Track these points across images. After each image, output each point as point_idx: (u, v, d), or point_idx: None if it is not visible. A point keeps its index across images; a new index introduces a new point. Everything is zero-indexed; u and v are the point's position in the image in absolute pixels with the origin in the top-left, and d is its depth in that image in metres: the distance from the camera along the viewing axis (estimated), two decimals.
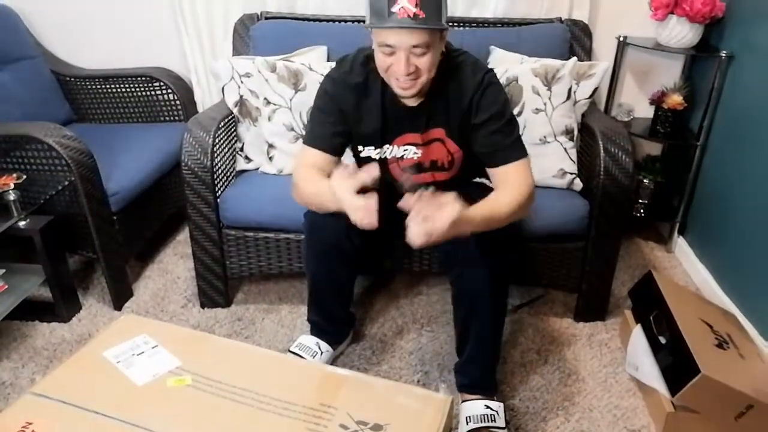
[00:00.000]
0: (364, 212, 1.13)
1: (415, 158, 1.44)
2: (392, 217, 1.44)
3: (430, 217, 1.10)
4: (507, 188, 1.32)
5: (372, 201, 1.13)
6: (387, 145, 1.44)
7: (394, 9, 1.16)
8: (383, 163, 1.45)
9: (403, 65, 1.22)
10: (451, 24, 2.17)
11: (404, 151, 1.44)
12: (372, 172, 1.18)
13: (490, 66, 1.90)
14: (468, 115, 1.35)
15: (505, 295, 1.45)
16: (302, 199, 1.40)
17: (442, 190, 1.18)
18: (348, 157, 1.50)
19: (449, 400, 1.09)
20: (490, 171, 1.37)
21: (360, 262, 1.56)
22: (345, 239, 1.42)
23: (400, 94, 1.31)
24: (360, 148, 1.47)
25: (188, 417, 1.07)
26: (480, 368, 1.48)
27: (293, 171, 1.45)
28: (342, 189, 1.18)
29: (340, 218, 1.25)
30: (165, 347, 1.22)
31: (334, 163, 1.41)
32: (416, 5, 1.16)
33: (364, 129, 1.42)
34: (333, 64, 1.45)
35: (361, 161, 1.48)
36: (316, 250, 1.50)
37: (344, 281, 1.59)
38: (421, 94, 1.33)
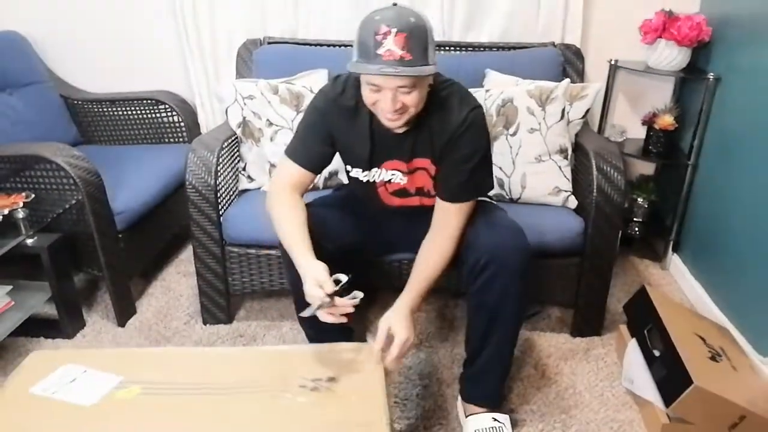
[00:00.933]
0: (318, 302, 1.20)
1: (402, 184, 1.47)
2: (380, 236, 1.49)
3: (394, 353, 1.24)
4: (440, 229, 1.40)
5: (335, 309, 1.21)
6: (375, 169, 1.45)
7: (380, 51, 1.16)
8: (372, 185, 1.49)
9: (389, 103, 1.23)
10: (448, 48, 2.26)
11: (392, 175, 1.45)
12: (347, 308, 1.22)
13: (485, 88, 1.99)
14: (447, 148, 1.36)
15: (523, 311, 1.47)
16: (273, 225, 1.40)
17: (428, 214, 1.41)
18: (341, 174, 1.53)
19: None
20: (437, 199, 1.41)
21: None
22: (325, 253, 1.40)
23: (387, 125, 1.32)
24: (349, 168, 1.50)
25: (153, 420, 1.09)
26: (493, 380, 1.50)
27: (271, 184, 1.48)
28: (312, 292, 1.22)
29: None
30: (97, 369, 1.20)
31: (312, 179, 1.46)
32: (402, 48, 1.16)
33: (353, 152, 1.45)
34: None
35: (351, 179, 1.53)
36: (290, 264, 1.46)
37: None
38: (408, 124, 1.33)
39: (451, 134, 1.34)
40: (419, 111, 1.30)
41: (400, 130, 1.36)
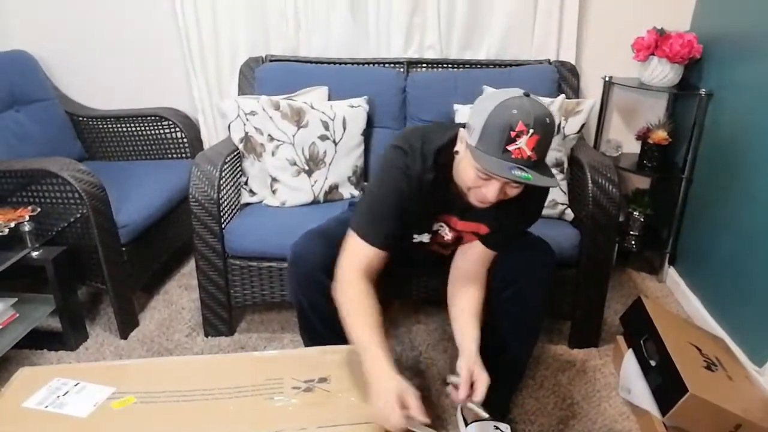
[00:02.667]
0: (395, 424, 1.05)
1: (448, 237, 1.43)
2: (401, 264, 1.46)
3: (481, 393, 1.22)
4: (472, 278, 1.40)
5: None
6: (434, 224, 1.42)
7: (511, 148, 1.09)
8: (419, 243, 1.46)
9: (493, 195, 1.17)
10: (445, 66, 2.31)
11: (441, 227, 1.41)
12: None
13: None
14: (509, 209, 1.29)
15: (542, 324, 1.51)
16: (339, 309, 1.27)
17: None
18: None
19: None
20: (479, 246, 1.39)
21: None
22: (325, 275, 1.36)
23: (475, 205, 1.25)
24: (414, 234, 1.43)
25: (151, 428, 1.11)
26: (508, 389, 1.53)
27: (342, 267, 1.30)
28: (391, 408, 1.06)
29: (324, 254, 1.35)
30: (88, 381, 1.21)
31: (385, 257, 1.33)
32: (533, 149, 1.09)
33: (418, 222, 1.38)
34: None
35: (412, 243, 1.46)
36: (297, 281, 1.45)
37: (330, 310, 1.50)
38: None
39: (517, 215, 1.35)
40: None
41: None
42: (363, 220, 1.32)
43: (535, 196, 1.31)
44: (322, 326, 1.58)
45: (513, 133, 1.09)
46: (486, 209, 1.27)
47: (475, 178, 1.17)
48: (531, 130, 1.09)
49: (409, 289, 1.86)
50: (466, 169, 1.20)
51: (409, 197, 1.30)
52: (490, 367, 1.48)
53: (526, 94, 1.14)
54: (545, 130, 1.11)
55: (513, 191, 1.19)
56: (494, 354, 1.47)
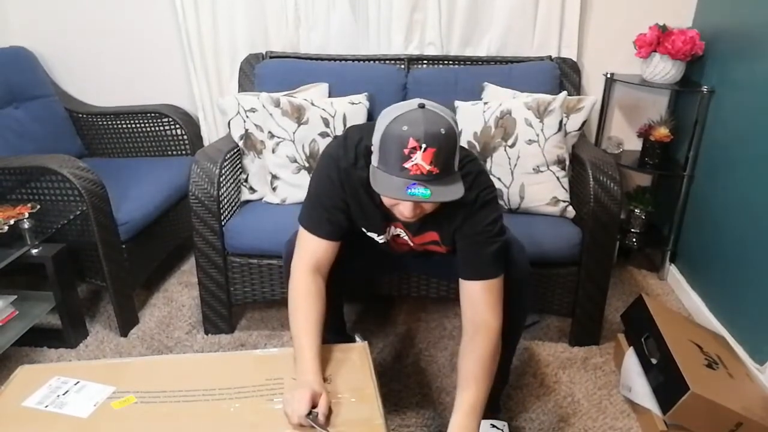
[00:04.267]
0: (300, 414, 1.08)
1: (411, 245, 1.42)
2: (392, 266, 1.49)
3: None
4: (473, 323, 1.27)
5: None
6: (388, 227, 1.39)
7: (407, 165, 1.07)
8: (385, 243, 1.44)
9: (409, 212, 1.16)
10: (446, 62, 2.30)
11: (400, 231, 1.40)
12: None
13: (484, 100, 2.03)
14: (464, 227, 1.29)
15: (523, 324, 1.49)
16: (289, 308, 1.30)
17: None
18: None
19: (365, 345, 1.33)
20: (463, 288, 1.30)
21: (340, 287, 1.56)
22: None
23: (400, 219, 1.25)
24: (364, 230, 1.41)
25: (152, 428, 1.10)
26: (494, 388, 1.50)
27: (294, 262, 1.33)
28: (297, 402, 1.10)
29: None
30: (88, 380, 1.20)
31: (335, 248, 1.34)
32: (431, 162, 1.06)
33: (367, 220, 1.37)
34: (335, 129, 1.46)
35: (363, 235, 1.44)
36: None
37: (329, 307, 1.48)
38: None
39: (464, 215, 1.27)
40: None
41: None
42: (305, 211, 1.35)
43: (481, 206, 1.26)
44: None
45: (406, 151, 1.07)
46: (432, 222, 1.29)
47: (387, 199, 1.18)
48: (423, 145, 1.06)
49: (409, 287, 1.85)
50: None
51: (341, 189, 1.29)
52: None
53: (421, 105, 1.10)
54: (440, 141, 1.07)
55: (428, 206, 1.17)
56: None
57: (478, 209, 1.26)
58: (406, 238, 1.42)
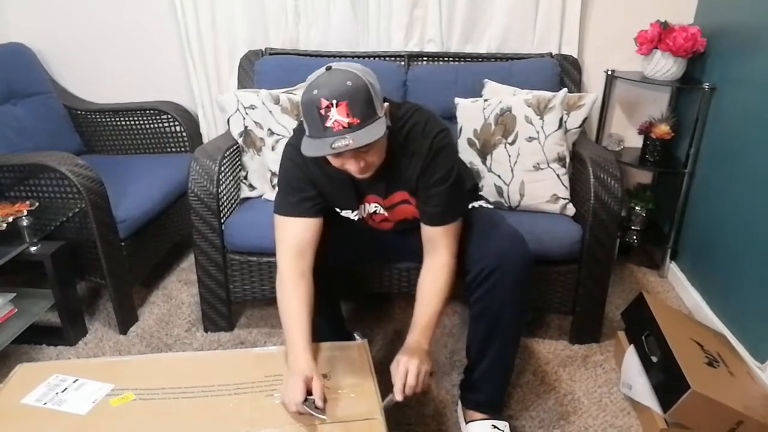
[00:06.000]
0: (296, 403, 1.13)
1: (385, 215, 1.47)
2: (377, 249, 1.52)
3: (410, 383, 1.24)
4: (433, 256, 1.38)
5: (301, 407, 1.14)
6: (361, 205, 1.45)
7: (328, 124, 1.15)
8: (361, 220, 1.49)
9: (353, 166, 1.23)
10: (446, 59, 2.29)
11: (375, 207, 1.46)
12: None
13: (484, 97, 2.02)
14: (421, 178, 1.35)
15: (524, 318, 1.49)
16: (277, 298, 1.36)
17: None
18: None
19: (365, 342, 1.36)
20: (422, 227, 1.39)
21: (336, 284, 1.59)
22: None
23: (358, 178, 1.30)
24: (338, 210, 1.48)
25: (152, 424, 1.10)
26: (495, 387, 1.51)
27: (277, 253, 1.38)
28: (292, 392, 1.15)
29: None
30: (87, 378, 1.20)
31: (316, 227, 1.38)
32: (347, 115, 1.14)
33: (338, 197, 1.42)
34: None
35: (339, 217, 1.49)
36: None
37: (321, 298, 1.50)
38: (378, 170, 1.31)
39: (423, 165, 1.33)
40: (386, 155, 1.30)
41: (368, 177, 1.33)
42: (278, 200, 1.40)
43: (434, 155, 1.32)
44: (318, 315, 1.57)
45: (322, 111, 1.14)
46: (397, 181, 1.36)
47: (332, 159, 1.25)
48: (334, 101, 1.14)
49: (409, 284, 1.85)
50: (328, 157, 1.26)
51: (306, 170, 1.36)
52: (474, 365, 1.50)
53: (328, 68, 1.19)
54: (350, 93, 1.14)
55: (368, 156, 1.23)
56: (476, 353, 1.49)
57: (434, 156, 1.32)
58: (382, 211, 1.45)
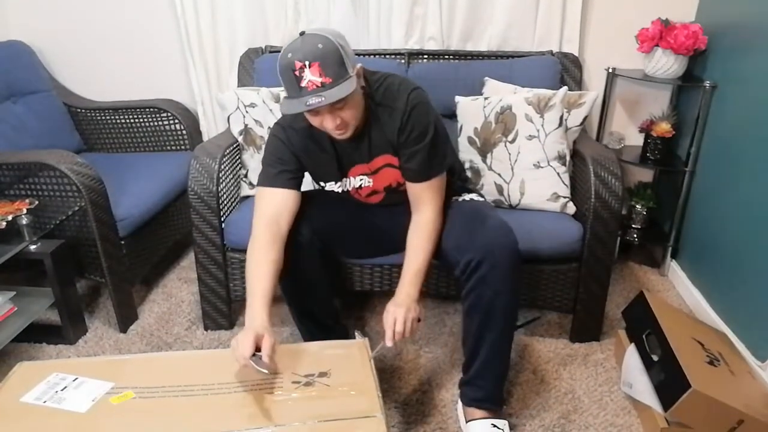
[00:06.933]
0: (243, 356, 1.18)
1: (370, 186, 1.53)
2: (363, 228, 1.59)
3: (398, 329, 1.36)
4: (419, 210, 1.48)
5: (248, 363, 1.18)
6: (345, 178, 1.53)
7: (303, 84, 1.24)
8: (346, 193, 1.56)
9: (330, 123, 1.31)
10: (447, 57, 2.28)
11: (360, 180, 1.53)
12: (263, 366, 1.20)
13: (484, 95, 2.02)
14: (401, 135, 1.43)
15: (516, 308, 1.49)
16: (246, 259, 1.41)
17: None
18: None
19: (366, 341, 1.34)
20: (407, 185, 1.48)
21: (328, 265, 1.62)
22: (301, 236, 1.49)
23: (338, 139, 1.40)
24: (322, 183, 1.56)
25: (152, 423, 1.10)
26: (492, 381, 1.51)
27: (253, 221, 1.45)
28: (241, 346, 1.19)
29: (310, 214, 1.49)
30: (86, 377, 1.20)
31: (293, 199, 1.46)
32: (320, 75, 1.23)
33: (321, 169, 1.51)
34: None
35: (325, 191, 1.58)
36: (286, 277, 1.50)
37: (314, 277, 1.59)
38: (357, 131, 1.41)
39: (401, 122, 1.40)
40: (364, 115, 1.40)
41: (349, 137, 1.41)
42: (260, 174, 1.49)
43: (411, 111, 1.39)
44: (311, 299, 1.62)
45: (296, 73, 1.23)
46: (379, 143, 1.44)
47: (310, 118, 1.33)
48: (307, 62, 1.22)
49: (395, 281, 1.84)
50: (306, 116, 1.35)
51: (289, 144, 1.47)
52: (470, 361, 1.51)
53: (302, 33, 1.27)
54: (322, 54, 1.23)
55: (343, 113, 1.31)
56: (471, 347, 1.50)
57: (410, 112, 1.39)
58: (367, 182, 1.52)
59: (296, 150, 1.47)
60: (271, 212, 1.44)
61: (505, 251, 1.39)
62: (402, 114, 1.39)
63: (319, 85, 1.23)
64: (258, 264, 1.37)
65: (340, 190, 1.55)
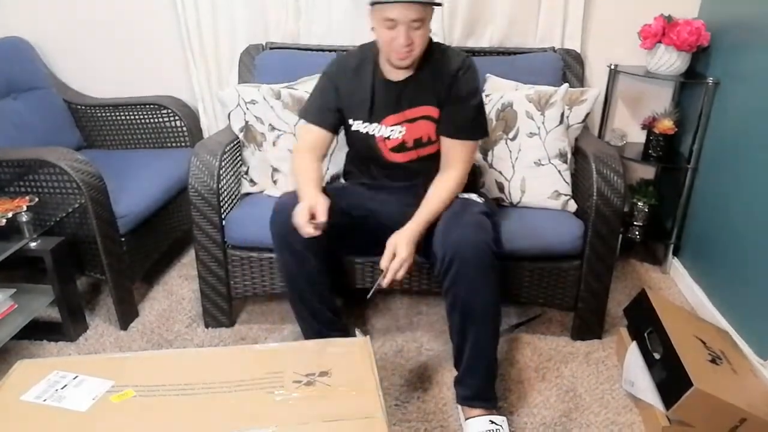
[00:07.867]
0: (301, 223, 1.40)
1: (400, 138, 1.59)
2: (371, 208, 1.64)
3: (394, 267, 1.42)
4: (448, 168, 1.56)
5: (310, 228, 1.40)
6: (375, 124, 1.60)
7: None
8: (372, 138, 1.61)
9: (403, 37, 1.40)
10: None
11: (390, 131, 1.59)
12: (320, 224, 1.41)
13: (486, 92, 2.01)
14: (451, 89, 1.52)
15: (497, 305, 1.48)
16: (292, 176, 1.66)
17: (427, 164, 1.58)
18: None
19: (367, 340, 1.32)
20: (442, 138, 1.56)
21: (328, 259, 1.62)
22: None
23: (398, 64, 1.48)
24: (351, 121, 1.63)
25: (152, 421, 1.09)
26: (480, 377, 1.50)
27: (294, 151, 1.69)
28: (298, 215, 1.41)
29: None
30: (87, 375, 1.20)
31: (329, 140, 1.64)
32: None
33: (355, 102, 1.60)
34: None
35: (352, 138, 1.68)
36: (279, 235, 1.53)
37: (316, 275, 1.59)
38: (412, 67, 1.51)
39: (453, 76, 1.51)
40: (420, 57, 1.49)
41: (403, 75, 1.53)
42: (303, 108, 1.69)
43: (466, 70, 1.52)
44: (311, 294, 1.63)
45: None
46: (424, 93, 1.53)
47: (385, 31, 1.42)
48: None
49: (410, 281, 1.84)
50: (378, 32, 1.45)
51: (332, 78, 1.61)
52: (458, 359, 1.53)
53: None
54: None
55: (416, 34, 1.41)
56: (457, 345, 1.51)
57: (466, 71, 1.52)
58: (398, 134, 1.58)
59: (339, 83, 1.60)
60: (308, 143, 1.63)
61: (473, 249, 1.39)
62: (459, 68, 1.51)
63: None
64: (305, 164, 1.57)
65: (365, 131, 1.61)
